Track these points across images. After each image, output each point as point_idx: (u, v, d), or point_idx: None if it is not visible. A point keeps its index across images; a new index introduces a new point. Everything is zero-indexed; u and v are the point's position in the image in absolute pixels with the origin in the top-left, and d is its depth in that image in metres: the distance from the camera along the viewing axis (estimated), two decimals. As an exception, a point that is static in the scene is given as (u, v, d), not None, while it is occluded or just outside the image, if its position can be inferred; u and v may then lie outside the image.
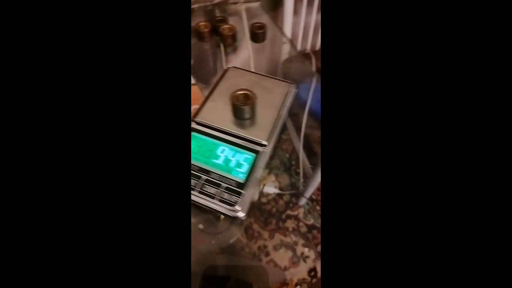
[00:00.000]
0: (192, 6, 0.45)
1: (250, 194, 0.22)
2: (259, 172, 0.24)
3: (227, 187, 0.23)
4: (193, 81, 0.38)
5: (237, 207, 0.22)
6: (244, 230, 0.30)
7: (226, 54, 0.40)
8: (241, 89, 0.26)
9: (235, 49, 0.40)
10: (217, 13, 0.46)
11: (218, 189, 0.22)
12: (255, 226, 0.30)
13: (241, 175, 0.23)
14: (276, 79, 0.30)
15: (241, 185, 0.23)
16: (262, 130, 0.26)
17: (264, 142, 0.25)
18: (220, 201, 0.22)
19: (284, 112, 0.28)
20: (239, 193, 0.22)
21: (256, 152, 0.25)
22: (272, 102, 0.28)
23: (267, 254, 0.28)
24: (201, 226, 0.33)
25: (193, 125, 0.27)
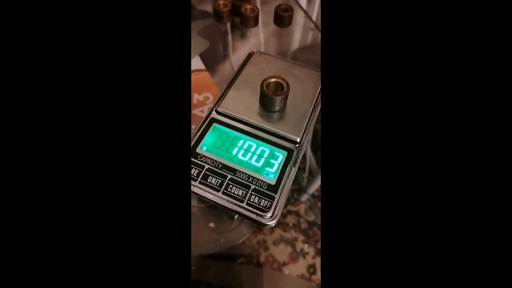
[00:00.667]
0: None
1: (283, 199, 0.19)
2: (292, 174, 0.21)
3: (256, 189, 0.20)
4: (203, 66, 0.35)
5: (269, 214, 0.19)
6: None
7: (245, 37, 0.36)
8: (273, 77, 0.22)
9: (255, 33, 0.36)
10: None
11: (246, 191, 0.19)
12: None
13: (271, 176, 0.20)
14: (308, 67, 0.27)
15: (272, 188, 0.20)
16: (294, 125, 0.22)
17: (297, 139, 0.22)
18: (249, 205, 0.19)
19: (319, 105, 0.24)
20: (271, 197, 0.19)
21: (288, 150, 0.21)
22: (305, 93, 0.25)
23: (266, 248, 0.27)
24: (212, 225, 0.31)
25: (214, 115, 0.24)
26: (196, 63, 0.35)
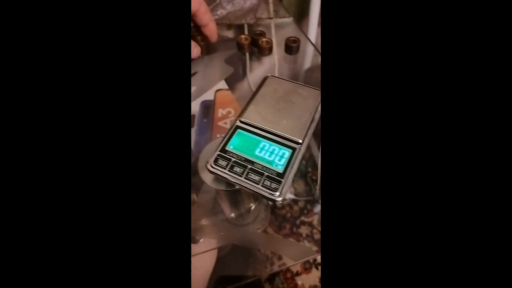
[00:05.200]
0: (235, 23, 0.50)
1: (289, 184, 0.27)
2: (296, 166, 0.28)
3: (268, 175, 0.27)
4: (227, 86, 0.43)
5: (277, 193, 0.26)
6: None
7: (262, 63, 0.44)
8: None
9: (270, 60, 0.45)
10: (252, 28, 0.51)
11: (261, 177, 0.27)
12: (269, 230, 0.32)
13: (280, 167, 0.27)
14: (309, 87, 0.34)
15: (280, 175, 0.27)
16: (298, 130, 0.30)
17: (299, 141, 0.29)
18: (263, 186, 0.26)
19: (317, 116, 0.32)
20: (279, 182, 0.26)
21: (292, 148, 0.29)
22: (307, 106, 0.32)
23: (280, 257, 0.30)
24: (233, 215, 0.37)
25: (238, 123, 0.31)
26: (221, 84, 0.43)
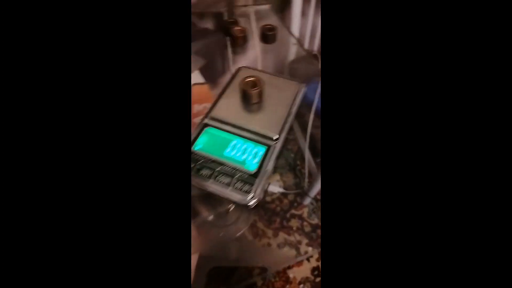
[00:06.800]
0: (206, 10, 0.47)
1: (262, 185, 0.24)
2: (271, 164, 0.25)
3: (240, 177, 0.24)
4: (203, 80, 0.40)
5: (249, 196, 0.23)
6: (249, 228, 0.31)
7: (236, 54, 0.41)
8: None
9: (244, 50, 0.42)
10: (228, 16, 0.47)
11: (231, 179, 0.24)
12: (260, 224, 0.30)
13: (252, 167, 0.25)
14: (286, 78, 0.32)
15: (253, 176, 0.24)
16: (273, 125, 0.27)
17: (275, 137, 0.26)
18: (233, 190, 0.23)
19: (294, 109, 0.29)
20: (251, 183, 0.24)
21: (267, 145, 0.26)
22: (283, 99, 0.29)
23: (271, 251, 0.29)
24: (211, 217, 0.34)
25: (207, 120, 0.28)
26: (196, 77, 0.40)
